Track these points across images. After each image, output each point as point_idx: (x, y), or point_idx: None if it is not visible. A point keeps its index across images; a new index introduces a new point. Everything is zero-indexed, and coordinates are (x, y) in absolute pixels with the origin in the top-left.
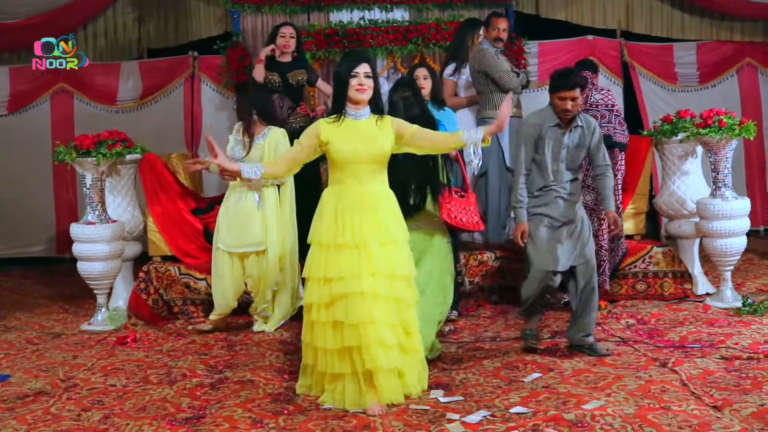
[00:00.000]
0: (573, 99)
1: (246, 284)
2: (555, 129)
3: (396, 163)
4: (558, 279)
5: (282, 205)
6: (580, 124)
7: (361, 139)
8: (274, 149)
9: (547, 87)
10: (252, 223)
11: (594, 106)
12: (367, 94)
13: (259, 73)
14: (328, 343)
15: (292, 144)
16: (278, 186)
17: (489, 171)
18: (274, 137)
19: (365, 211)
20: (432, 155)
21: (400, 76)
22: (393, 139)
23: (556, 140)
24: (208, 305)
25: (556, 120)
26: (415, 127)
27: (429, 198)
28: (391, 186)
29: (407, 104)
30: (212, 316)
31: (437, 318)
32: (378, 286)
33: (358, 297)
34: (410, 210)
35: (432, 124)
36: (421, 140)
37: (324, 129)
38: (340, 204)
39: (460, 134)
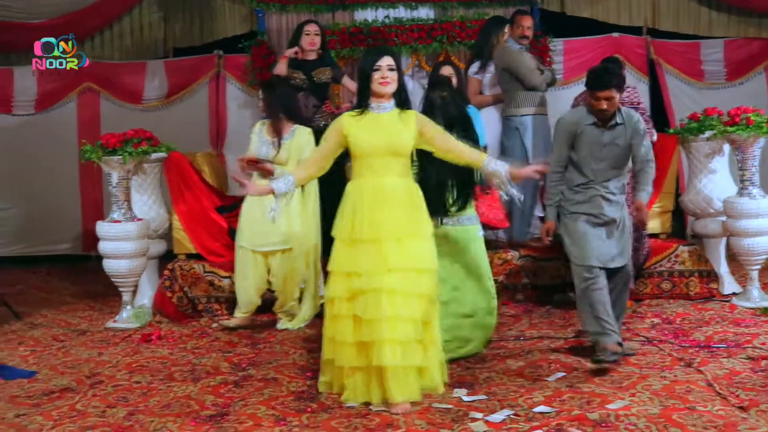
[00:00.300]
0: (608, 99)
1: (270, 282)
2: (592, 128)
3: (434, 161)
4: (602, 279)
5: (306, 201)
6: (619, 121)
7: (381, 132)
8: (301, 149)
9: (572, 85)
10: (280, 223)
11: (620, 103)
12: (391, 87)
13: (280, 68)
14: (347, 336)
15: (318, 143)
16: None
17: None
18: (300, 137)
19: (382, 206)
20: (477, 146)
21: (424, 74)
22: (415, 134)
23: (595, 139)
24: (232, 303)
25: (593, 119)
26: (441, 130)
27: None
28: (429, 184)
29: (445, 103)
30: (237, 314)
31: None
32: (395, 282)
33: (373, 294)
34: (449, 208)
35: (468, 124)
36: (443, 144)
37: (346, 122)
38: (359, 198)
39: (483, 157)
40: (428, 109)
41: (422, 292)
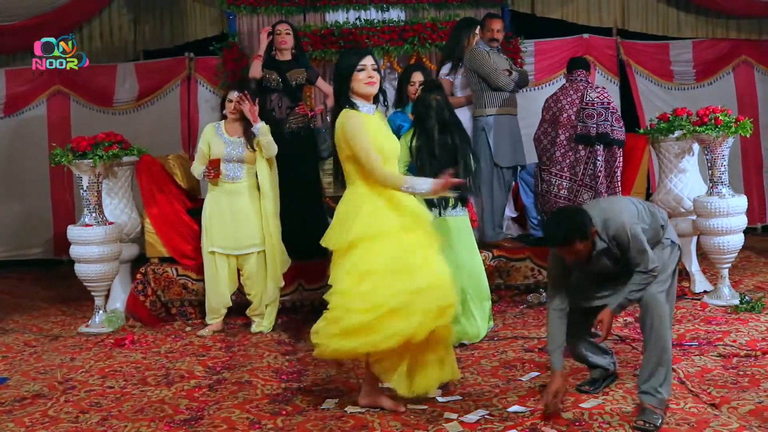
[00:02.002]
0: (575, 253)
1: (241, 284)
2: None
3: (435, 157)
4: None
5: (266, 199)
6: (600, 248)
7: (386, 136)
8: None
9: (543, 86)
10: (250, 224)
11: (590, 104)
12: (376, 87)
13: (255, 70)
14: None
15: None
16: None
17: (480, 170)
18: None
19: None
20: (468, 149)
21: (396, 75)
22: None
23: (582, 270)
24: (205, 306)
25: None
26: None
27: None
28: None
29: (439, 106)
30: (211, 321)
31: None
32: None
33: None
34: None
35: (461, 126)
36: None
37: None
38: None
39: (403, 179)
40: (422, 112)
41: None
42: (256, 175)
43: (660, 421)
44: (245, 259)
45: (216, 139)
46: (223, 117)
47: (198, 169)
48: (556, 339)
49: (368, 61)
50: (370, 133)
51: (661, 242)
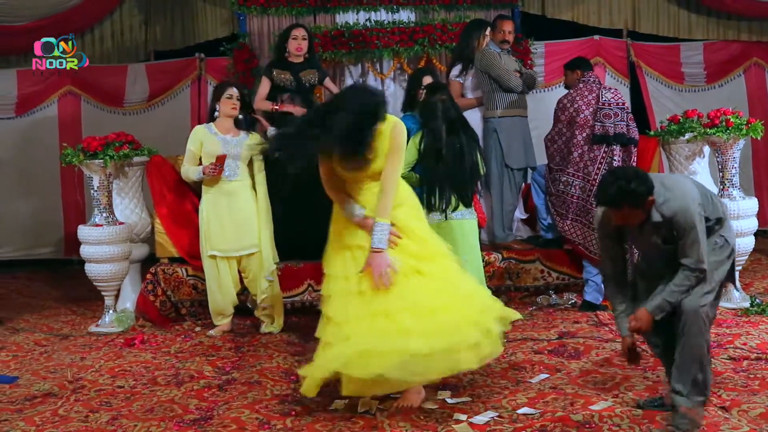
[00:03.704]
0: (623, 217)
1: (243, 285)
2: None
3: (441, 161)
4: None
5: (261, 197)
6: (656, 219)
7: None
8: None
9: (553, 87)
10: (251, 224)
11: (606, 104)
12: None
13: (264, 104)
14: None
15: None
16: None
17: (490, 171)
18: (255, 137)
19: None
20: (476, 149)
21: (406, 77)
22: None
23: (629, 241)
24: (210, 310)
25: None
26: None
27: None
28: (438, 182)
29: (445, 106)
30: (219, 323)
31: None
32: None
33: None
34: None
35: (468, 126)
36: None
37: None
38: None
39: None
40: (430, 112)
41: None
42: (251, 175)
43: (689, 427)
44: (248, 259)
45: (209, 138)
46: (213, 119)
47: (192, 169)
48: (617, 305)
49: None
50: None
51: (714, 237)
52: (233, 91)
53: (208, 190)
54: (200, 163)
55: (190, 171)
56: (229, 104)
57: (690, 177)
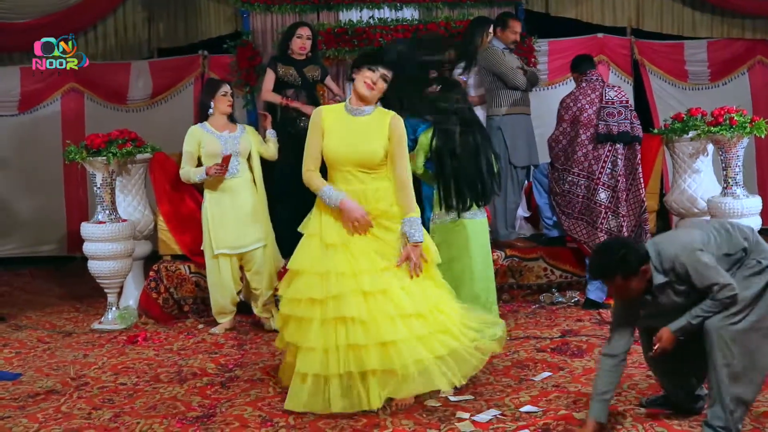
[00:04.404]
0: (621, 289)
1: (245, 281)
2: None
3: (455, 158)
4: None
5: (261, 192)
6: (659, 281)
7: (352, 140)
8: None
9: (557, 85)
10: (255, 220)
11: (610, 103)
12: (375, 95)
13: (273, 97)
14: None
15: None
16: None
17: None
18: (253, 133)
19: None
20: (490, 148)
21: None
22: (386, 142)
23: (649, 309)
24: (212, 309)
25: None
26: (404, 153)
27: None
28: (451, 180)
29: (458, 106)
30: (222, 320)
31: None
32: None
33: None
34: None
35: (481, 125)
36: (392, 167)
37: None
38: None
39: (408, 213)
40: (442, 111)
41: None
42: (250, 169)
43: None
44: (251, 255)
45: (207, 137)
46: (206, 117)
47: (193, 171)
48: (598, 386)
49: (382, 70)
50: (326, 133)
51: (744, 264)
52: (227, 88)
53: (211, 189)
54: (199, 164)
55: (191, 173)
56: (225, 101)
57: (700, 223)
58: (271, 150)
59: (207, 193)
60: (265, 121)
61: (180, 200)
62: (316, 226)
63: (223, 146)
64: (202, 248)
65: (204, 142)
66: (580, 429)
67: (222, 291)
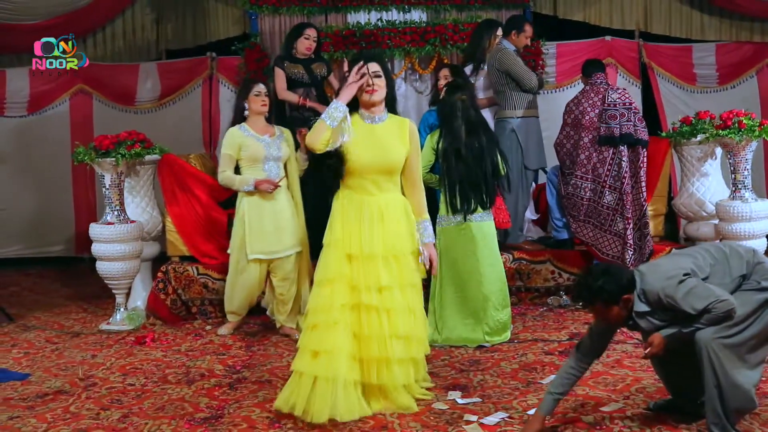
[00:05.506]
0: (601, 314)
1: (271, 288)
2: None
3: (462, 161)
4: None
5: (296, 198)
6: (641, 309)
7: (376, 147)
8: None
9: (564, 88)
10: (292, 226)
11: (612, 105)
12: (378, 95)
13: (290, 96)
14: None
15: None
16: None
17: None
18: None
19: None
20: (495, 150)
21: (417, 77)
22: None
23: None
24: (225, 307)
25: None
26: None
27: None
28: (457, 183)
29: (464, 106)
30: (232, 319)
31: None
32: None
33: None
34: (475, 206)
35: (487, 126)
36: (408, 171)
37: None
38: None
39: (421, 216)
40: (447, 113)
41: (412, 306)
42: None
43: None
44: (283, 261)
45: (248, 141)
46: (242, 119)
47: (239, 180)
48: (557, 383)
49: (370, 68)
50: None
51: (741, 287)
52: (261, 88)
53: (250, 193)
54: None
55: (235, 181)
56: (258, 101)
57: (692, 249)
58: (299, 165)
59: (244, 197)
60: (302, 140)
61: (188, 201)
62: (337, 235)
63: (267, 151)
64: (228, 251)
65: (245, 145)
66: (528, 424)
67: (244, 293)
